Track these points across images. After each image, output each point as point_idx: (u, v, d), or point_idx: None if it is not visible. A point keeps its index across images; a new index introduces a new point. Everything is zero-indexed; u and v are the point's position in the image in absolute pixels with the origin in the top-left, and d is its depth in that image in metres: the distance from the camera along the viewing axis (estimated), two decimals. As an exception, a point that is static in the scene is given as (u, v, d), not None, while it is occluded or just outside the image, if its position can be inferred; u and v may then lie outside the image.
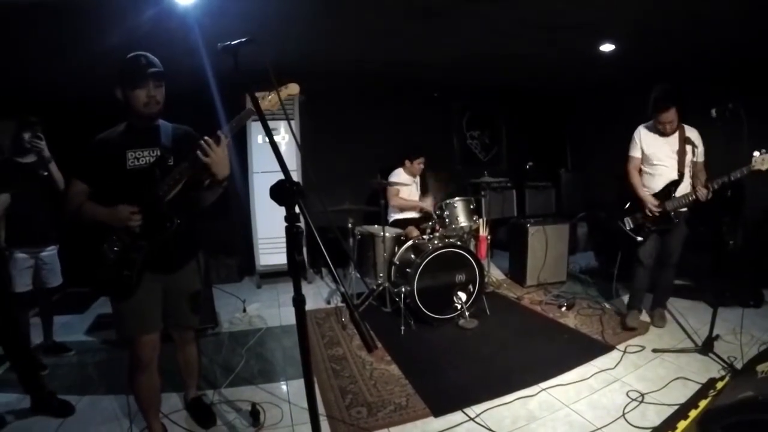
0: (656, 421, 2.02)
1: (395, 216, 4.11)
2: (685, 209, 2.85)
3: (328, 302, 4.02)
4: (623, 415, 2.08)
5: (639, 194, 2.90)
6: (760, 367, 1.93)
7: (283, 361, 2.84)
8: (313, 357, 2.75)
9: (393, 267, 3.55)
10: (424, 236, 3.58)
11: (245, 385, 2.53)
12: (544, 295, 3.89)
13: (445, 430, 2.06)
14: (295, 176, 4.04)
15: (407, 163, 4.10)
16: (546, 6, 2.92)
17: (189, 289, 1.96)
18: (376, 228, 3.77)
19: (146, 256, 1.75)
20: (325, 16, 3.00)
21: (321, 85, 4.30)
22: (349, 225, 3.77)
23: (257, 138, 4.44)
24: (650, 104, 2.79)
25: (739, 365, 2.39)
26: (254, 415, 2.17)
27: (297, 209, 1.10)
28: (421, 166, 4.11)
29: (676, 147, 2.80)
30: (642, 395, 2.23)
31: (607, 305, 3.54)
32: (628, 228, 2.98)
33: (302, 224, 1.12)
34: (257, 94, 1.39)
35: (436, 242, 3.40)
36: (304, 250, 3.96)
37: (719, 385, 2.25)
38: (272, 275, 4.62)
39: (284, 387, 2.52)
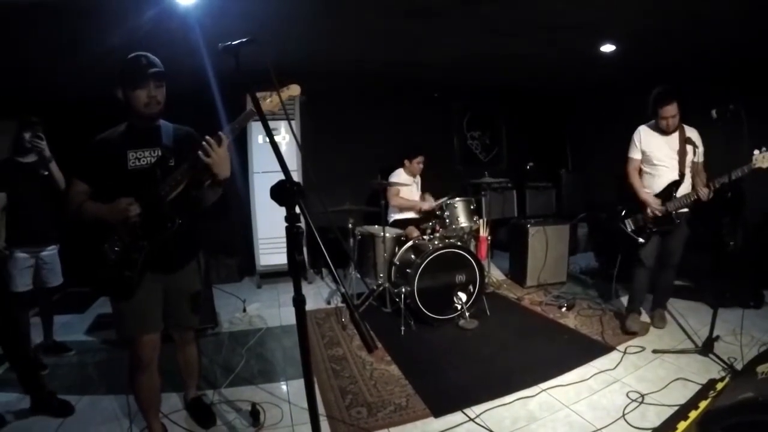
0: (656, 422, 2.02)
1: (395, 216, 4.12)
2: (686, 210, 2.84)
3: (328, 302, 4.02)
4: (623, 415, 2.08)
5: (640, 196, 2.87)
6: (760, 368, 1.93)
7: (283, 361, 2.84)
8: (313, 357, 2.75)
9: (393, 267, 3.55)
10: (425, 236, 3.58)
11: (245, 385, 2.53)
12: (544, 296, 3.89)
13: (445, 430, 2.06)
14: (296, 176, 4.04)
15: (406, 162, 4.11)
16: (546, 6, 2.92)
17: (189, 289, 1.96)
18: (376, 228, 3.77)
19: (147, 256, 1.75)
20: (325, 16, 3.01)
21: (321, 85, 4.30)
22: (350, 225, 3.77)
23: (257, 138, 4.45)
24: (650, 102, 2.78)
25: (739, 366, 2.39)
26: (254, 415, 2.17)
27: (297, 209, 1.10)
28: (421, 165, 4.11)
29: (677, 147, 2.79)
30: (642, 396, 2.22)
31: (608, 306, 3.54)
32: (629, 230, 2.95)
33: (302, 224, 1.12)
34: (258, 95, 1.39)
35: (436, 243, 3.40)
36: (305, 250, 3.95)
37: (719, 386, 2.25)
38: (272, 275, 4.62)
39: (284, 387, 2.52)
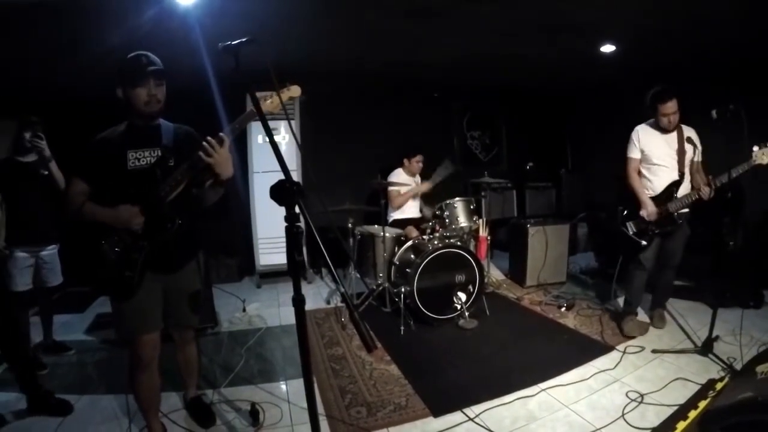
0: (655, 422, 2.02)
1: (395, 216, 4.12)
2: (686, 210, 2.83)
3: (328, 302, 4.02)
4: (623, 415, 2.08)
5: (641, 198, 2.83)
6: (759, 368, 1.93)
7: (283, 361, 2.84)
8: (312, 357, 2.75)
9: (393, 267, 3.55)
10: (424, 236, 3.58)
11: (245, 385, 2.53)
12: (543, 296, 3.89)
13: (445, 430, 2.06)
14: (295, 176, 4.05)
15: (406, 162, 4.11)
16: (546, 6, 2.92)
17: (189, 289, 1.96)
18: (376, 228, 3.77)
19: (147, 256, 1.75)
20: (325, 16, 3.01)
21: (321, 85, 4.29)
22: (349, 225, 3.77)
23: (257, 138, 4.44)
24: (649, 100, 2.76)
25: (738, 366, 2.39)
26: (254, 414, 2.17)
27: (297, 209, 1.11)
28: (420, 164, 4.12)
29: (676, 146, 2.77)
30: (641, 396, 2.23)
31: (607, 306, 3.54)
32: (631, 233, 2.90)
33: (302, 224, 1.12)
34: (258, 95, 1.39)
35: (436, 242, 3.41)
36: (304, 250, 3.97)
37: (719, 385, 2.25)
38: (272, 275, 4.62)
39: (284, 387, 2.52)
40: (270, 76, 1.30)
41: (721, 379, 2.32)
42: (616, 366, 2.57)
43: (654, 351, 2.71)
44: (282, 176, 1.13)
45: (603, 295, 3.79)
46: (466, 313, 3.27)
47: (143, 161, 1.74)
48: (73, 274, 3.05)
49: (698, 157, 2.79)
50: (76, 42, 2.93)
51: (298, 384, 2.47)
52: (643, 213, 2.81)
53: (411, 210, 4.15)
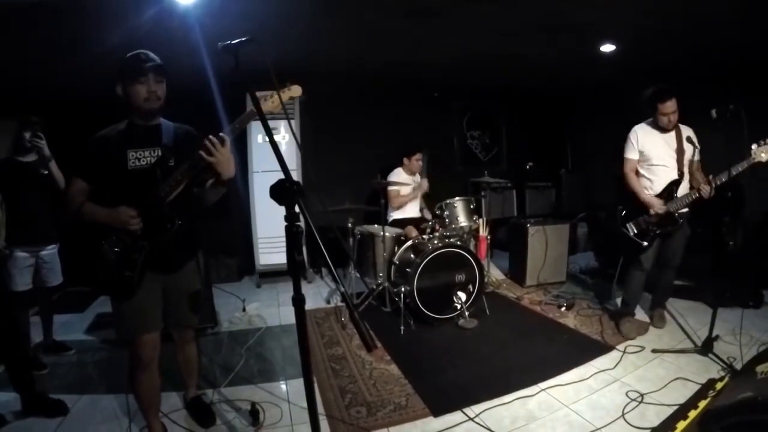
0: (655, 422, 2.02)
1: (395, 216, 4.12)
2: (686, 209, 2.83)
3: (328, 302, 4.02)
4: (623, 415, 2.08)
5: (642, 198, 2.82)
6: (759, 368, 1.94)
7: (283, 361, 2.85)
8: (312, 356, 2.75)
9: (393, 267, 3.55)
10: (424, 236, 3.58)
11: (245, 385, 2.53)
12: (543, 295, 3.89)
13: (445, 429, 2.06)
14: (295, 176, 4.04)
15: (405, 160, 4.11)
16: (546, 6, 2.92)
17: (189, 288, 1.96)
18: (375, 228, 3.77)
19: (147, 256, 1.75)
20: (325, 16, 3.01)
21: (321, 85, 4.29)
22: (349, 225, 3.77)
23: (257, 137, 4.44)
24: (648, 99, 2.75)
25: (738, 366, 2.39)
26: (254, 414, 2.17)
27: (297, 209, 1.11)
28: (420, 162, 4.12)
29: (675, 146, 2.77)
30: (641, 395, 2.23)
31: (607, 306, 3.54)
32: (632, 234, 2.88)
33: (302, 224, 1.12)
34: (259, 94, 1.39)
35: (435, 242, 3.41)
36: (304, 249, 3.97)
37: (719, 385, 2.25)
38: (272, 275, 4.62)
39: (284, 386, 2.52)
40: (270, 76, 1.30)
41: (721, 379, 2.32)
42: (616, 366, 2.57)
43: (654, 351, 2.71)
44: (282, 176, 1.13)
45: (603, 295, 3.79)
46: (466, 313, 3.27)
47: (143, 161, 1.74)
48: (73, 274, 3.05)
49: (697, 157, 2.79)
50: (76, 42, 2.94)
51: (298, 384, 2.47)
52: (651, 211, 2.79)
53: (411, 210, 4.15)
